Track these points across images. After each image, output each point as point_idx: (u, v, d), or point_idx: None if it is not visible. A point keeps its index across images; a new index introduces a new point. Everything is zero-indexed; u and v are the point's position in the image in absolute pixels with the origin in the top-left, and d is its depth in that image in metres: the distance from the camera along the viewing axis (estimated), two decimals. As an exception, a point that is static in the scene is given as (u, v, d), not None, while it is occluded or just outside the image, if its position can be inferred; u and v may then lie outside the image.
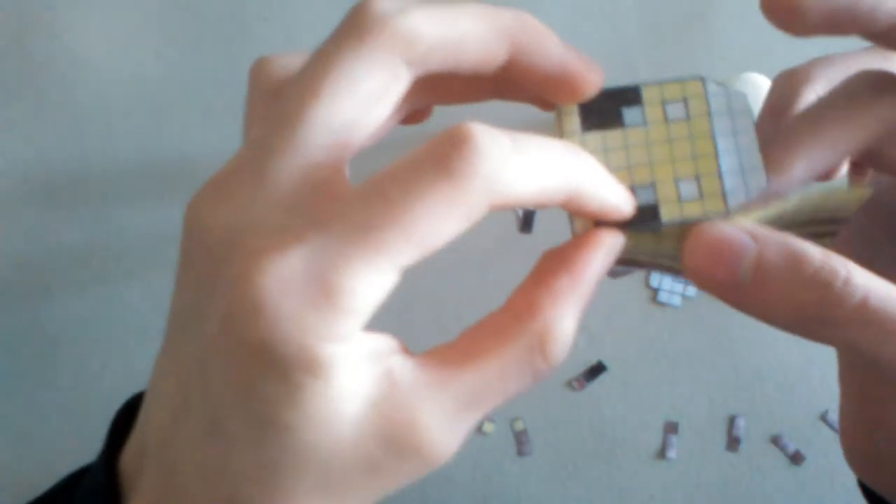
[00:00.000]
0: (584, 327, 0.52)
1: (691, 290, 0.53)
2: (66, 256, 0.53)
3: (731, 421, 0.52)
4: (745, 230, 0.17)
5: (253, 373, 0.16)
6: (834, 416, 0.52)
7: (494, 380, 0.17)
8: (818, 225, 0.20)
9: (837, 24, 0.17)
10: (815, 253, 0.17)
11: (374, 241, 0.16)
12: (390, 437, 0.17)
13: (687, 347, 0.53)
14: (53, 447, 0.52)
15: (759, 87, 0.44)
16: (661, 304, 0.53)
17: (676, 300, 0.53)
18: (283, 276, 0.16)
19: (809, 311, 0.17)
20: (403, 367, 0.17)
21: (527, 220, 0.52)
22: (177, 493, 0.18)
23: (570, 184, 0.18)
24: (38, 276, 0.53)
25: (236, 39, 0.53)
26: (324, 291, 0.15)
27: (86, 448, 0.54)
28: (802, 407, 0.52)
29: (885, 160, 0.19)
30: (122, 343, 0.53)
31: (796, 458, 0.52)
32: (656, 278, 0.53)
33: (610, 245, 0.18)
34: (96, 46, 0.54)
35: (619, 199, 0.19)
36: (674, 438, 0.52)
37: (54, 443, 0.52)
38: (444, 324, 0.53)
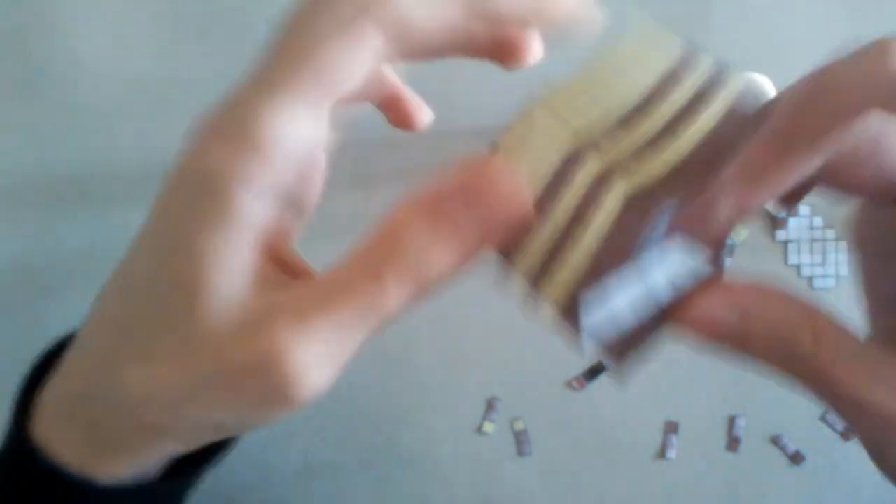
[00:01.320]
0: (584, 327, 0.52)
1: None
2: (66, 257, 0.53)
3: (731, 421, 0.52)
4: (736, 304, 0.20)
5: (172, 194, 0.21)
6: (834, 416, 0.52)
7: (343, 282, 0.19)
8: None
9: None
10: (792, 329, 0.19)
11: (281, 82, 0.19)
12: (247, 332, 0.18)
13: (687, 347, 0.53)
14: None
15: (759, 86, 0.44)
16: (661, 304, 0.53)
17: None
18: (207, 115, 0.20)
19: (782, 367, 0.20)
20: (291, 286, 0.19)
21: (527, 220, 0.52)
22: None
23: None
24: (38, 276, 0.53)
25: (237, 40, 0.53)
26: (238, 130, 0.19)
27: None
28: (802, 407, 0.52)
29: (847, 180, 0.20)
30: (122, 343, 0.53)
31: (796, 458, 0.52)
32: (656, 278, 0.53)
33: (495, 177, 0.19)
34: (96, 46, 0.54)
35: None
36: (674, 438, 0.52)
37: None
38: (440, 319, 0.53)
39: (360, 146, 0.53)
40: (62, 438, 0.22)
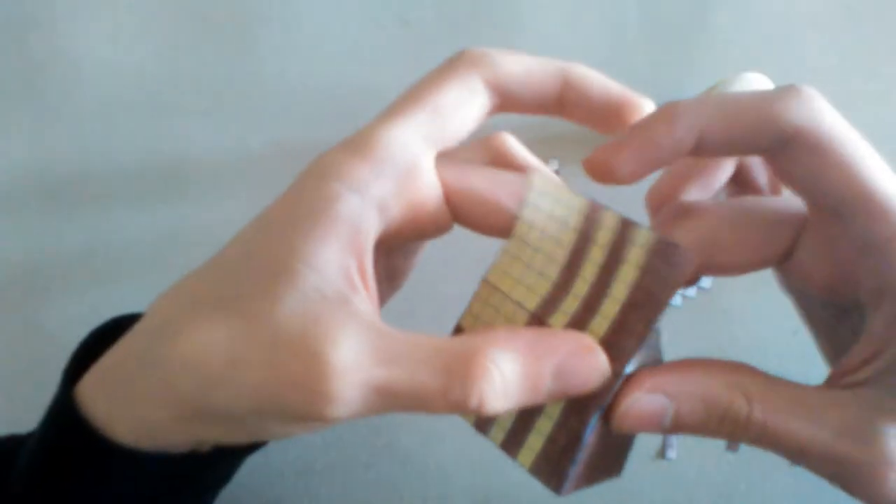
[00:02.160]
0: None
1: (691, 291, 0.53)
2: (66, 257, 0.53)
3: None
4: (661, 390, 0.21)
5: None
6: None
7: (414, 359, 0.19)
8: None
9: (647, 170, 0.22)
10: (721, 396, 0.21)
11: (402, 113, 0.22)
12: (308, 331, 0.19)
13: (687, 347, 0.53)
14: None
15: (758, 86, 0.44)
16: (661, 304, 0.53)
17: (676, 300, 0.53)
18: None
19: (724, 435, 0.21)
20: (363, 300, 0.20)
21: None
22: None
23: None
24: (37, 276, 0.53)
25: (237, 39, 0.53)
26: (355, 142, 0.22)
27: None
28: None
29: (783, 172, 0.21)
30: (122, 343, 0.53)
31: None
32: (656, 278, 0.53)
33: (589, 352, 0.20)
34: (96, 46, 0.54)
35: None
36: (674, 438, 0.52)
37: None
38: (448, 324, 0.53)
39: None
40: (102, 400, 0.22)
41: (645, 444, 0.52)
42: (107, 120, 0.53)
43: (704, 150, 0.21)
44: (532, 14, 0.54)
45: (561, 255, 0.22)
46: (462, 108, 0.22)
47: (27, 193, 0.53)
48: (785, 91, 0.20)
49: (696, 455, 0.52)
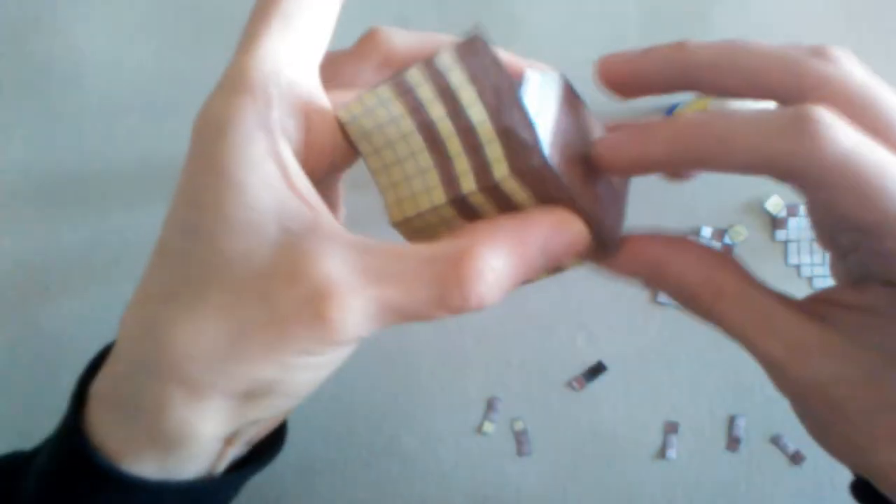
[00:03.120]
0: (584, 327, 0.52)
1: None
2: (65, 257, 0.53)
3: (731, 421, 0.52)
4: (646, 257, 0.23)
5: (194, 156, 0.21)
6: (834, 416, 0.52)
7: (405, 269, 0.19)
8: None
9: (667, 86, 0.22)
10: (692, 287, 0.23)
11: (255, 33, 0.23)
12: (293, 267, 0.19)
13: (687, 347, 0.53)
14: (53, 447, 0.52)
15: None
16: (661, 305, 0.53)
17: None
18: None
19: (691, 312, 0.23)
20: (329, 218, 0.20)
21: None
22: (123, 331, 0.21)
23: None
24: (37, 276, 0.53)
25: (236, 39, 0.53)
26: (230, 79, 0.21)
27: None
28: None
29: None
30: (122, 343, 0.53)
31: (796, 458, 0.52)
32: (656, 278, 0.53)
33: (568, 222, 0.21)
34: (96, 47, 0.54)
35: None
36: (674, 438, 0.52)
37: (54, 443, 0.52)
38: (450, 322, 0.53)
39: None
40: (109, 427, 0.22)
41: (645, 444, 0.52)
42: (107, 120, 0.53)
43: (701, 169, 0.22)
44: (532, 14, 0.54)
45: (416, 141, 0.21)
46: (312, 1, 0.22)
47: (27, 193, 0.53)
48: (790, 123, 0.19)
49: (696, 455, 0.52)
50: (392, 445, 0.51)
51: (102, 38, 0.54)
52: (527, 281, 0.21)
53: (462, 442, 0.52)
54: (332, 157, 0.22)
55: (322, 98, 0.22)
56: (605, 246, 0.23)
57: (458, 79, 0.20)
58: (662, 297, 0.53)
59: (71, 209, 0.53)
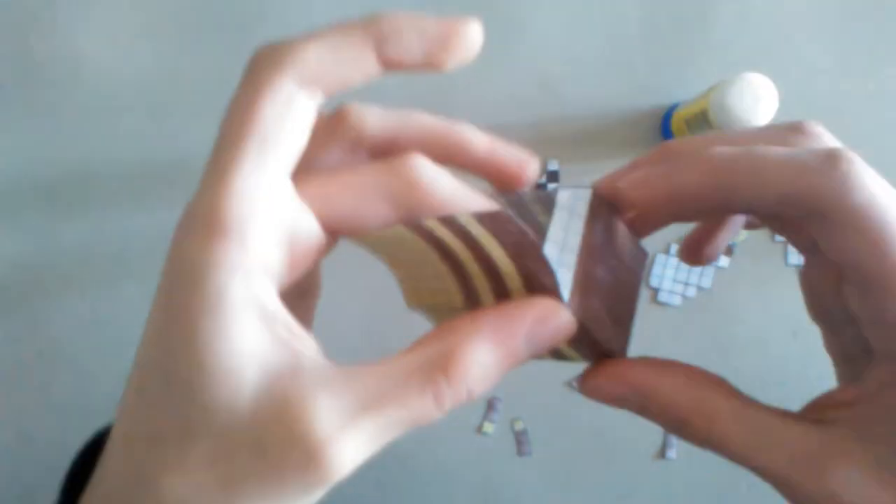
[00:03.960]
0: (584, 327, 0.52)
1: (691, 291, 0.53)
2: (65, 257, 0.53)
3: (731, 421, 0.52)
4: (631, 385, 0.23)
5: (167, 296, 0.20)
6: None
7: (394, 386, 0.19)
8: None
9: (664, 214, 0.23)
10: (682, 412, 0.22)
11: (233, 161, 0.20)
12: (281, 414, 0.18)
13: (687, 347, 0.53)
14: (53, 447, 0.52)
15: (759, 86, 0.44)
16: (661, 304, 0.53)
17: (676, 300, 0.53)
18: (187, 207, 0.21)
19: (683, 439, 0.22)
20: (311, 354, 0.20)
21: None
22: (104, 467, 0.20)
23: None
24: (37, 276, 0.53)
25: (236, 39, 0.53)
26: (206, 218, 0.20)
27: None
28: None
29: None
30: (122, 343, 0.53)
31: (796, 458, 0.52)
32: (656, 278, 0.53)
33: (552, 314, 0.21)
34: (96, 46, 0.54)
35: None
36: (674, 438, 0.52)
37: (54, 443, 0.52)
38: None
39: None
40: None
41: (645, 443, 0.52)
42: (106, 120, 0.53)
43: (731, 207, 0.22)
44: (532, 14, 0.54)
45: (434, 259, 0.22)
46: (286, 121, 0.20)
47: (27, 193, 0.53)
48: (823, 160, 0.20)
49: (696, 455, 0.52)
50: (392, 445, 0.51)
51: (102, 38, 0.54)
52: (530, 359, 0.21)
53: (462, 442, 0.52)
54: (315, 266, 0.22)
55: (301, 212, 0.21)
56: (611, 354, 0.23)
57: (477, 231, 0.21)
58: (662, 297, 0.53)
59: (71, 209, 0.53)
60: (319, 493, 0.20)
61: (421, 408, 0.19)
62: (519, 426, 0.52)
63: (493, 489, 0.52)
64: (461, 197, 0.22)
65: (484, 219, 0.21)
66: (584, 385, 0.23)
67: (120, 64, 0.54)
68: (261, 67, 0.21)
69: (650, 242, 0.51)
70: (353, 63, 0.22)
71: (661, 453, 0.52)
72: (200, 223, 0.20)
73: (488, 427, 0.52)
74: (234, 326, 0.19)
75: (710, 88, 0.47)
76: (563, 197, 0.23)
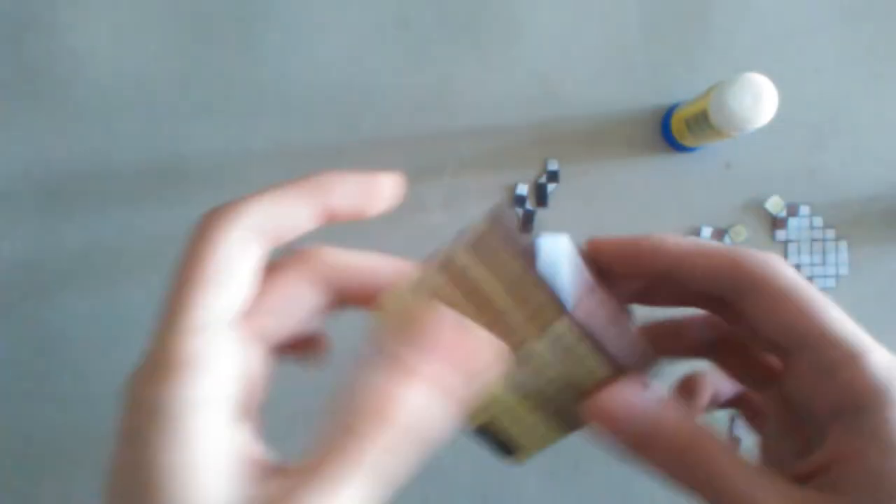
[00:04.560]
0: (584, 327, 0.52)
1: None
2: (65, 256, 0.53)
3: (732, 421, 0.52)
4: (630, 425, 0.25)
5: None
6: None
7: (339, 477, 0.22)
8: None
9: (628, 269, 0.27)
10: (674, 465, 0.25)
11: (184, 301, 0.22)
12: None
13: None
14: (53, 447, 0.52)
15: (759, 86, 0.44)
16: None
17: (676, 300, 0.53)
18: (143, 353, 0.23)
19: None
20: (262, 466, 0.22)
21: (526, 221, 0.52)
22: None
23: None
24: (37, 275, 0.53)
25: (237, 39, 0.53)
26: (164, 359, 0.21)
27: (86, 448, 0.54)
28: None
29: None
30: (122, 343, 0.53)
31: (796, 458, 0.52)
32: (656, 278, 0.53)
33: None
34: (96, 46, 0.54)
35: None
36: (674, 438, 0.52)
37: (54, 442, 0.52)
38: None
39: (362, 141, 0.53)
40: None
41: (645, 444, 0.52)
42: (106, 120, 0.53)
43: (677, 278, 0.26)
44: (532, 14, 0.54)
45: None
46: (233, 266, 0.23)
47: (27, 193, 0.53)
48: (753, 251, 0.25)
49: (696, 455, 0.52)
50: (392, 445, 0.51)
51: (102, 38, 0.54)
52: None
53: (462, 442, 0.52)
54: (265, 387, 0.25)
55: (248, 343, 0.23)
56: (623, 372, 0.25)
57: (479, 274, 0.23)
58: (662, 297, 0.53)
59: (71, 209, 0.53)
60: None
61: (381, 480, 0.22)
62: (519, 426, 0.52)
63: (492, 489, 0.52)
64: (369, 262, 0.26)
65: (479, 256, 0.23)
66: (594, 407, 0.25)
67: (120, 64, 0.54)
68: (211, 220, 0.23)
69: (650, 242, 0.51)
70: (295, 217, 0.24)
71: (661, 453, 0.52)
72: (154, 362, 0.22)
73: (488, 427, 0.52)
74: (190, 457, 0.21)
75: (709, 88, 0.47)
76: (545, 243, 0.25)
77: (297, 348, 0.29)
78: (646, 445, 0.25)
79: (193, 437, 0.21)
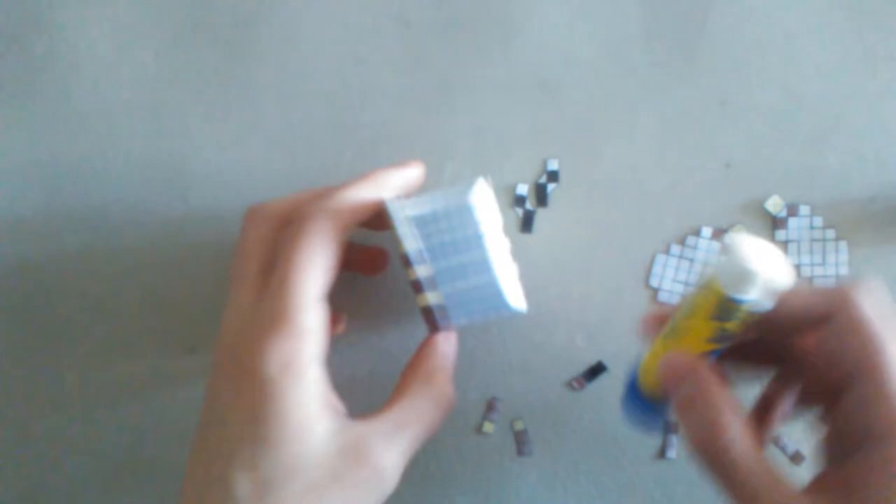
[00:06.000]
0: (583, 327, 0.52)
1: (691, 291, 0.53)
2: (65, 256, 0.53)
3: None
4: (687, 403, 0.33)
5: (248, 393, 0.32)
6: (834, 416, 0.52)
7: (418, 411, 0.37)
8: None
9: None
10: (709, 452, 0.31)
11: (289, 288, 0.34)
12: (347, 451, 0.32)
13: (687, 347, 0.53)
14: (54, 447, 0.52)
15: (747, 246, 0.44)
16: (662, 304, 0.53)
17: (677, 300, 0.53)
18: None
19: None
20: (344, 411, 0.36)
21: (526, 221, 0.52)
22: None
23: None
24: (37, 275, 0.53)
25: (236, 39, 0.53)
26: (281, 326, 0.33)
27: (88, 448, 0.55)
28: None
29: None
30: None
31: (796, 458, 0.52)
32: (656, 278, 0.53)
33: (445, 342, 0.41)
34: (96, 46, 0.54)
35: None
36: (674, 438, 0.52)
37: (55, 442, 0.52)
38: (444, 324, 0.53)
39: (362, 141, 0.53)
40: None
41: (645, 443, 0.52)
42: (107, 120, 0.53)
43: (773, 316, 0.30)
44: (532, 14, 0.54)
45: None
46: (323, 250, 0.33)
47: (27, 194, 0.53)
48: (837, 287, 0.30)
49: (696, 455, 0.52)
50: (392, 445, 0.51)
51: (102, 38, 0.54)
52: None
53: (462, 442, 0.52)
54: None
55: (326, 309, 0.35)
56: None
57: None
58: (662, 297, 0.53)
59: (71, 209, 0.53)
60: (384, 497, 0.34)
61: (431, 418, 0.35)
62: (519, 426, 0.52)
63: (493, 489, 0.52)
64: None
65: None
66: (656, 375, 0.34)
67: (120, 64, 0.54)
68: (307, 215, 0.33)
69: (650, 242, 0.51)
70: (366, 206, 0.35)
71: (661, 453, 0.52)
72: (279, 328, 0.31)
73: (488, 427, 0.52)
74: (311, 405, 0.31)
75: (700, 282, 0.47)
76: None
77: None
78: (680, 410, 0.32)
79: (314, 383, 0.31)
